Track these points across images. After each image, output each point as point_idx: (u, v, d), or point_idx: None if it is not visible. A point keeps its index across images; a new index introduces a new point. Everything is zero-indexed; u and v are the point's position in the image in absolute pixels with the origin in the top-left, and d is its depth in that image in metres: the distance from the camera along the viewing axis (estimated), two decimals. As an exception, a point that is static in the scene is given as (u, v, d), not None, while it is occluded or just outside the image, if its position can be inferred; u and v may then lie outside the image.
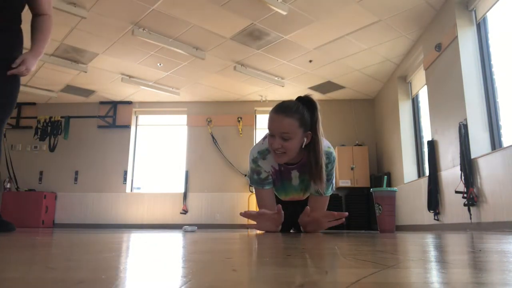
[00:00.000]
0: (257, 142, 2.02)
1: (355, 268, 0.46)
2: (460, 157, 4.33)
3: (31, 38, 2.19)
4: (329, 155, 1.90)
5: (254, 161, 1.96)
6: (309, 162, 1.85)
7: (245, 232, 2.68)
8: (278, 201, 2.11)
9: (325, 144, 1.91)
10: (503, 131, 4.20)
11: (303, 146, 1.84)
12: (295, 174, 1.98)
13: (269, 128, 1.81)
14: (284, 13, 4.83)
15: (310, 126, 1.83)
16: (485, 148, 4.23)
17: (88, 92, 8.01)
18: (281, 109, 1.79)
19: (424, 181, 5.48)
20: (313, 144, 1.83)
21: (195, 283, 0.34)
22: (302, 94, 1.94)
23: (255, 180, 1.99)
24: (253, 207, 7.75)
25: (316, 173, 1.82)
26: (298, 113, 1.78)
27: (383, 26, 5.36)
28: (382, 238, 1.37)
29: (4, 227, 2.14)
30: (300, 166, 1.95)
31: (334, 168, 1.97)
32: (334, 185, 2.04)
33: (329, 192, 1.99)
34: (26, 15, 2.21)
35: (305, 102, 1.86)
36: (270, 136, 1.81)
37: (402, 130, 6.60)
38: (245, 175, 8.00)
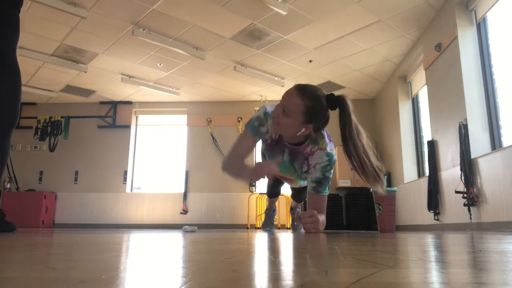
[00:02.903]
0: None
1: (355, 268, 0.46)
2: (460, 157, 4.33)
3: None
4: (330, 157, 1.97)
5: (265, 114, 1.95)
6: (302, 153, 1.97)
7: (245, 232, 2.68)
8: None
9: (329, 146, 1.97)
10: (503, 131, 4.20)
11: (297, 134, 1.82)
12: (286, 154, 2.03)
13: (282, 96, 1.83)
14: (284, 13, 4.83)
15: (318, 123, 1.81)
16: (485, 148, 4.23)
17: (88, 92, 8.01)
18: (299, 88, 1.79)
19: (424, 181, 5.47)
20: (313, 141, 1.93)
21: (195, 283, 0.34)
22: None
23: (254, 126, 1.97)
24: (253, 207, 7.76)
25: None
26: (311, 102, 1.74)
27: (383, 26, 5.36)
28: (382, 238, 1.37)
29: (5, 227, 2.15)
30: (292, 150, 1.99)
31: (332, 170, 2.04)
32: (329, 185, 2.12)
33: (326, 191, 2.05)
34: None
35: (331, 101, 1.79)
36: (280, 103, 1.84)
37: (402, 130, 6.60)
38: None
